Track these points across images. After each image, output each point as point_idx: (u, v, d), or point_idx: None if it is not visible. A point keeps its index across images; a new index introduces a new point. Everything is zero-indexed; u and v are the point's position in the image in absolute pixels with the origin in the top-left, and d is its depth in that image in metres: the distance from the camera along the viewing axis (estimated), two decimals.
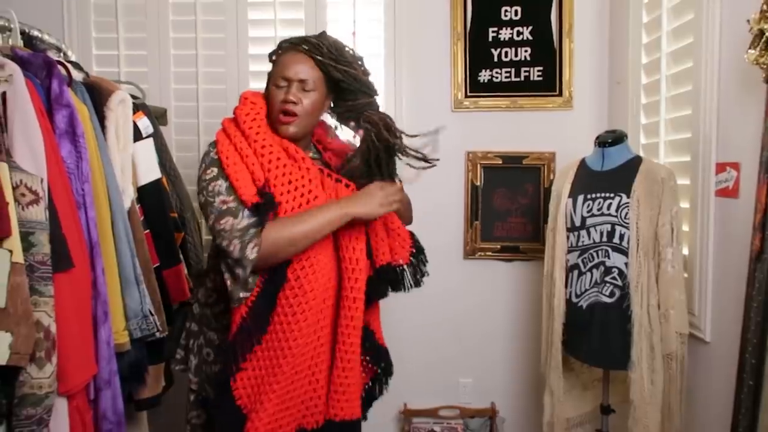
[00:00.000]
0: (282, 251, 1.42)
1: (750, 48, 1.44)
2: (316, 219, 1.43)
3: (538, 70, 2.60)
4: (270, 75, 1.59)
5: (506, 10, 2.60)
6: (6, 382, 1.24)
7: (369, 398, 1.68)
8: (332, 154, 1.69)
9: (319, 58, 1.54)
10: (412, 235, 1.71)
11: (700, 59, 1.79)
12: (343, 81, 1.57)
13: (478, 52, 2.61)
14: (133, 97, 1.83)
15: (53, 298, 1.28)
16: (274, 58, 1.60)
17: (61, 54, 1.77)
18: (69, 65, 1.59)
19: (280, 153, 1.50)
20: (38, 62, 1.45)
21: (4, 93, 1.29)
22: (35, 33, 1.67)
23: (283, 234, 1.41)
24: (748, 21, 1.45)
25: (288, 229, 1.41)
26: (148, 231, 1.79)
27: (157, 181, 1.84)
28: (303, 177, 1.50)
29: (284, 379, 1.43)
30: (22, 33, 1.62)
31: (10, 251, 1.20)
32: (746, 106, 1.61)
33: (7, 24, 1.57)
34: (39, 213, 1.27)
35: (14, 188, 1.24)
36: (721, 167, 1.72)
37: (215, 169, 1.48)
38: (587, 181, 1.97)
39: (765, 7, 1.41)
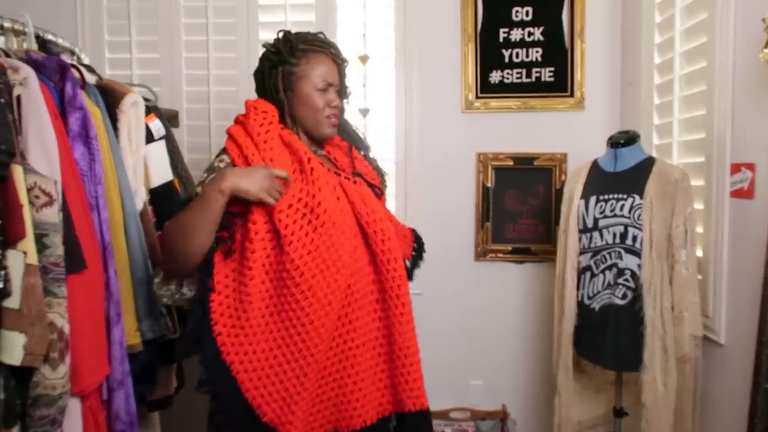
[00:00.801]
0: (174, 243, 1.35)
1: (765, 47, 1.42)
2: (194, 204, 1.35)
3: (550, 71, 2.59)
4: (298, 74, 1.52)
5: (517, 11, 2.59)
6: (20, 382, 1.25)
7: None
8: (331, 148, 1.67)
9: (341, 63, 1.60)
10: (412, 230, 1.77)
11: (714, 59, 1.77)
12: (343, 89, 1.63)
13: (489, 52, 2.60)
14: (146, 99, 1.84)
15: (66, 299, 1.29)
16: (292, 55, 1.53)
17: (75, 57, 1.78)
18: (82, 68, 1.61)
19: (289, 166, 1.45)
20: (52, 65, 1.46)
21: (18, 96, 1.30)
22: (49, 37, 1.68)
23: (172, 224, 1.36)
24: (763, 20, 1.43)
25: (174, 220, 1.36)
26: (159, 233, 1.80)
27: (169, 183, 1.85)
28: (311, 191, 1.43)
29: (311, 385, 1.40)
30: (37, 37, 1.63)
31: (25, 253, 1.22)
32: (761, 106, 1.60)
33: (21, 28, 1.59)
34: (53, 215, 1.28)
35: (28, 190, 1.25)
36: (735, 168, 1.70)
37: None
38: (600, 182, 1.96)
39: None
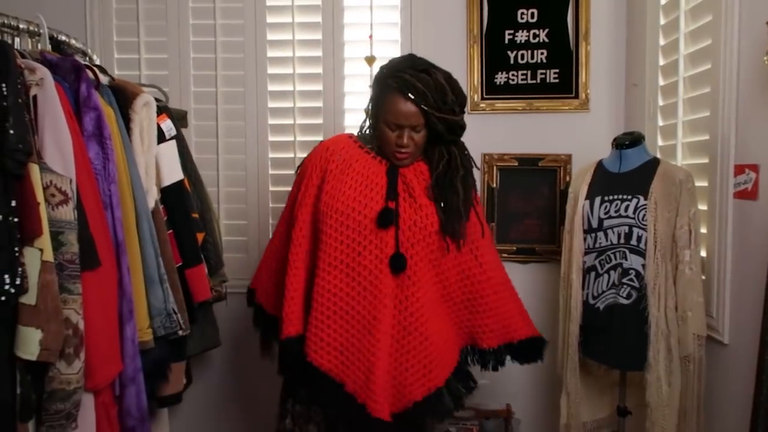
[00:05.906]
0: None
1: None
2: None
3: (555, 73, 2.61)
4: (378, 109, 1.65)
5: (522, 13, 2.61)
6: (36, 377, 1.27)
7: None
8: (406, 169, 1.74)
9: (424, 107, 1.60)
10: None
11: (718, 61, 1.78)
12: (438, 128, 1.65)
13: (495, 54, 2.62)
14: (156, 100, 1.86)
15: (81, 295, 1.31)
16: (377, 89, 1.66)
17: (87, 58, 1.81)
18: (96, 69, 1.63)
19: None
20: (67, 66, 1.49)
21: (35, 96, 1.33)
22: (62, 38, 1.71)
23: None
24: (767, 23, 1.45)
25: None
26: (170, 231, 1.82)
27: (180, 182, 1.87)
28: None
29: (383, 353, 1.61)
30: (50, 38, 1.66)
31: (41, 250, 1.24)
32: (765, 108, 1.61)
33: (36, 29, 1.61)
34: (68, 213, 1.31)
35: (45, 188, 1.28)
36: (739, 169, 1.72)
37: None
38: (604, 182, 1.97)
39: None
